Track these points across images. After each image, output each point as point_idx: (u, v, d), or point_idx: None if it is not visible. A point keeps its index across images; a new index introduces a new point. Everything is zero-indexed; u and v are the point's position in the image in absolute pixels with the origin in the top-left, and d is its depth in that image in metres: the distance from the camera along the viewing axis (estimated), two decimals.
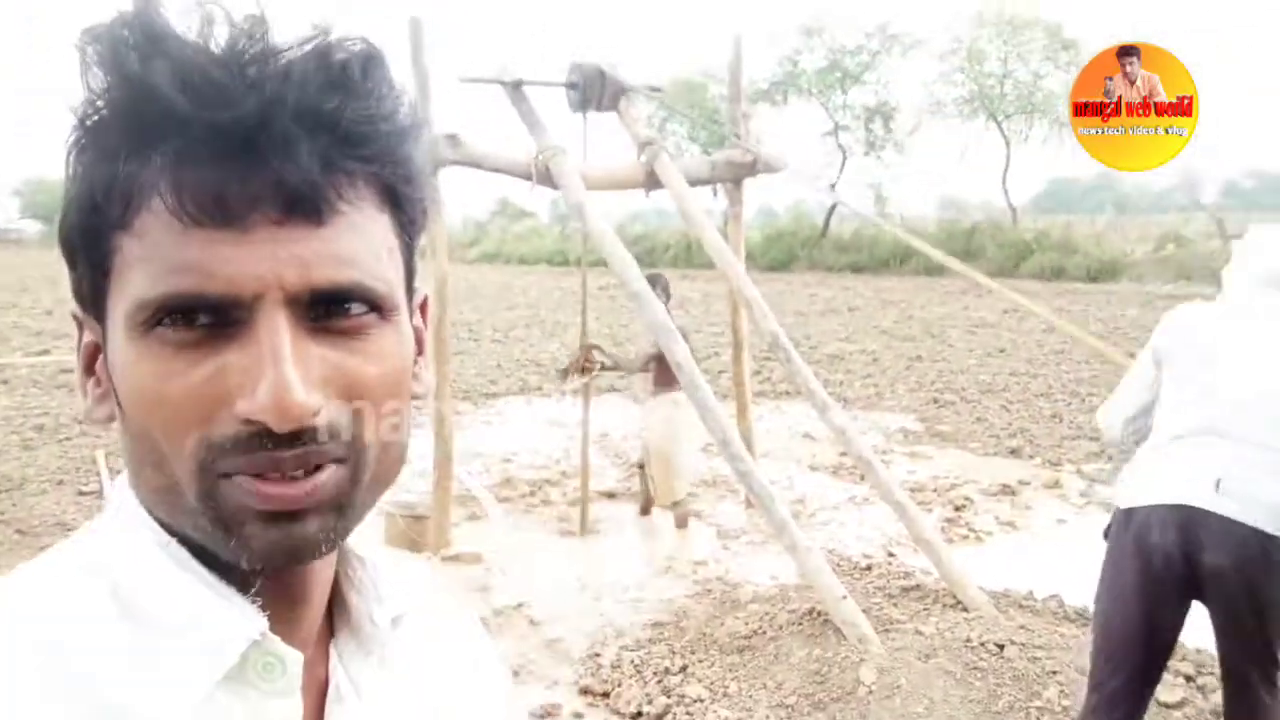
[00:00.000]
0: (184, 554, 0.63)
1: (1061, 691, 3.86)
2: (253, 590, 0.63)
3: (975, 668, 4.02)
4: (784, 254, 29.86)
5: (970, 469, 7.97)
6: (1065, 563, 5.76)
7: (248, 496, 0.59)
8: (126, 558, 0.63)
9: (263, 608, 0.63)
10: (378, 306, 0.62)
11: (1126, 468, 2.96)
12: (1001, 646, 4.16)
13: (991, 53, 29.74)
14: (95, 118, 0.59)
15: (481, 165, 5.99)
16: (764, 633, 4.51)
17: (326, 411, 0.59)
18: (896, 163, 32.44)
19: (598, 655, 4.59)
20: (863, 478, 7.23)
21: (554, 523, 6.76)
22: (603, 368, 6.46)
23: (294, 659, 0.64)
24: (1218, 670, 4.18)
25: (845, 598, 4.37)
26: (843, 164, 31.95)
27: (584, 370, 6.36)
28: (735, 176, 6.81)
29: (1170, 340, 2.90)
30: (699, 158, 7.64)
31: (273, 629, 0.63)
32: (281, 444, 0.58)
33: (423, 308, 0.74)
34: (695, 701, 4.02)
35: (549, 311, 19.64)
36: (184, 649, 0.61)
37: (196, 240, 0.57)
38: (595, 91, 6.26)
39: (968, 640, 4.20)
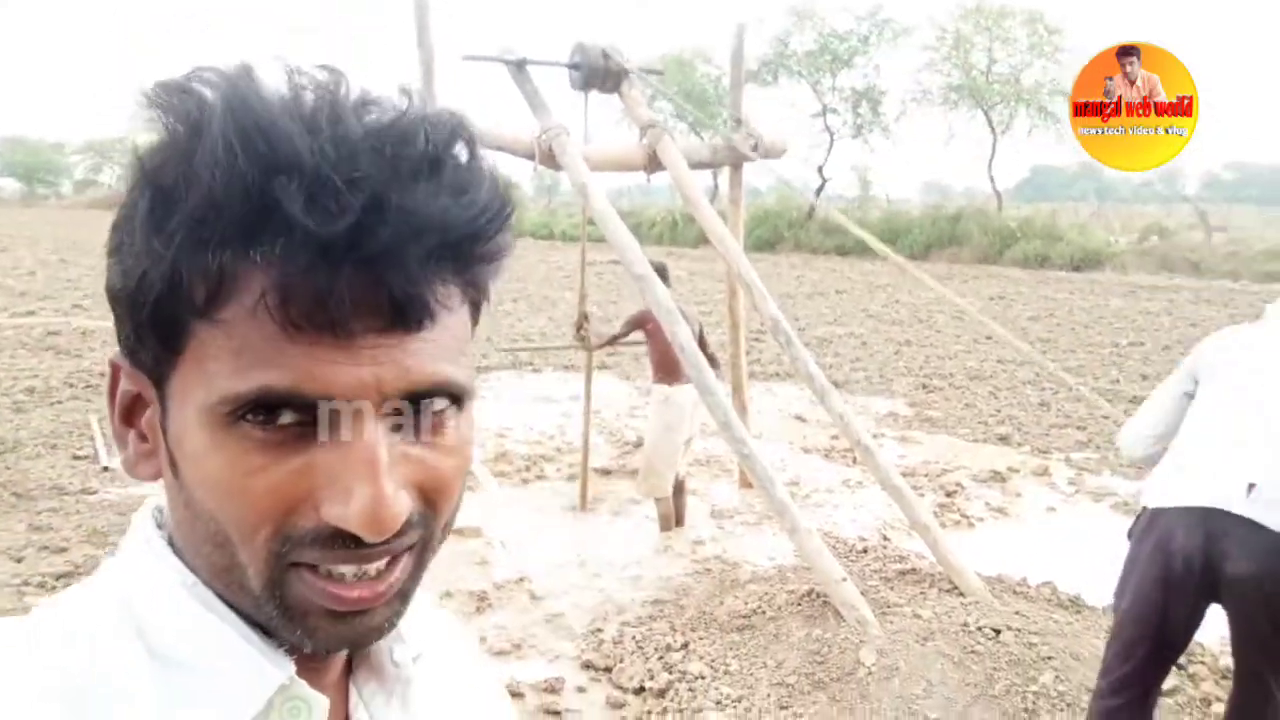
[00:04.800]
0: (210, 595, 0.62)
1: (1057, 676, 3.94)
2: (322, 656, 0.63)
3: (972, 651, 4.09)
4: (770, 234, 29.92)
5: (960, 455, 8.06)
6: (1056, 550, 5.88)
7: (319, 595, 0.59)
8: (152, 598, 0.62)
9: (288, 651, 0.63)
10: (459, 399, 0.62)
11: (1155, 468, 2.96)
12: (998, 631, 4.23)
13: (979, 42, 29.81)
14: (181, 186, 0.55)
15: (483, 144, 5.86)
16: (763, 612, 4.57)
17: (411, 511, 0.59)
18: (883, 147, 32.60)
19: (599, 631, 4.65)
20: (856, 461, 7.32)
21: (551, 498, 6.81)
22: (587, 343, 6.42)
23: (321, 705, 0.64)
24: (1208, 659, 4.31)
25: (844, 580, 4.43)
26: (830, 146, 32.03)
27: (580, 337, 6.38)
28: (736, 161, 6.85)
29: (1215, 356, 2.89)
30: (701, 142, 7.65)
31: (298, 673, 0.63)
32: (364, 545, 0.57)
33: None
34: (697, 678, 4.09)
35: (536, 286, 19.62)
36: (211, 693, 0.60)
37: (296, 341, 0.55)
38: (598, 73, 6.27)
39: (965, 624, 4.28)
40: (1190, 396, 2.95)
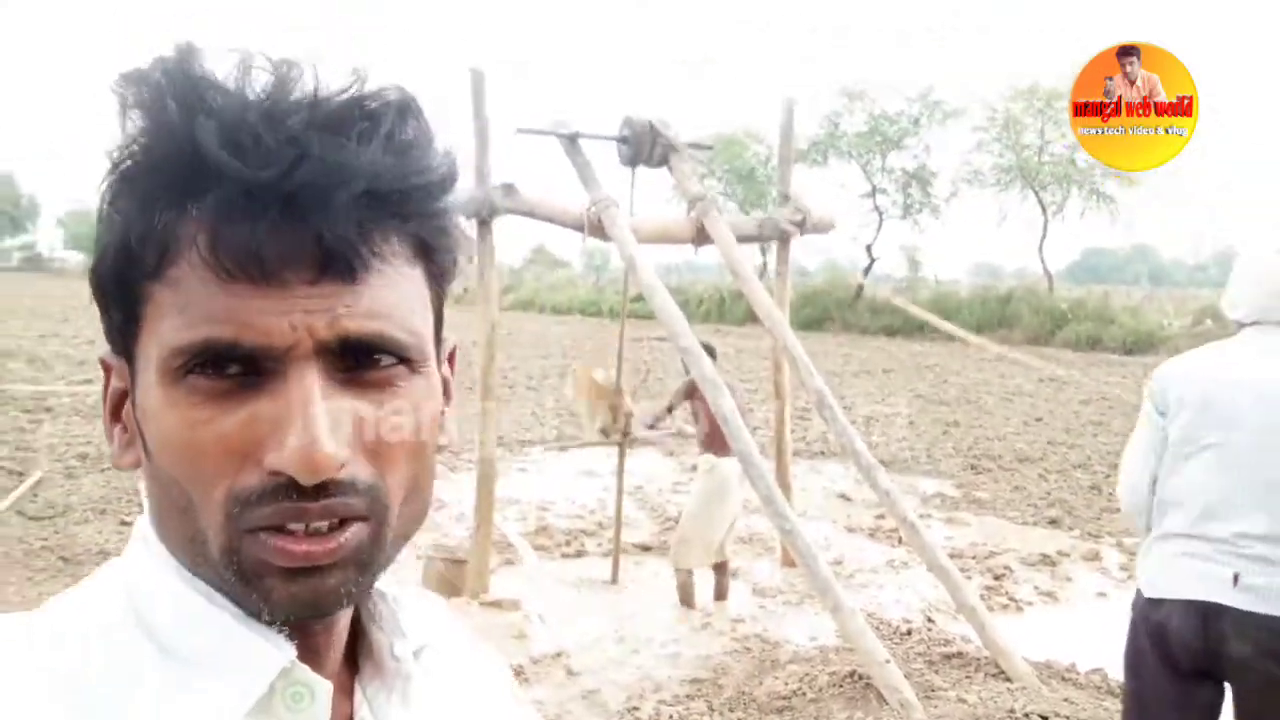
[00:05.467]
0: (205, 586, 0.63)
1: None
2: (278, 623, 0.63)
3: None
4: (818, 313, 29.88)
5: (1009, 537, 7.89)
6: (1107, 637, 5.66)
7: (270, 553, 0.59)
8: (153, 588, 0.64)
9: (286, 628, 0.63)
10: (407, 359, 0.62)
11: (1144, 550, 2.91)
12: (1045, 718, 4.11)
13: (1030, 123, 29.84)
14: (130, 163, 0.59)
15: (534, 215, 6.08)
16: (804, 694, 4.47)
17: (353, 465, 0.59)
18: (933, 227, 32.57)
19: (635, 709, 4.56)
20: (901, 541, 7.19)
21: (590, 573, 6.75)
22: (628, 433, 6.42)
23: (323, 688, 0.64)
24: None
25: (888, 662, 4.33)
26: (879, 226, 32.07)
27: (624, 434, 6.38)
28: (783, 235, 6.88)
29: (1172, 394, 2.79)
30: (748, 216, 7.71)
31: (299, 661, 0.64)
32: (306, 496, 0.58)
33: (450, 358, 0.74)
34: None
35: (583, 362, 19.69)
36: (213, 678, 0.61)
37: (232, 293, 0.57)
38: (646, 147, 6.36)
39: (1011, 711, 4.16)
40: (1161, 430, 2.83)
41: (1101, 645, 5.34)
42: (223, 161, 0.56)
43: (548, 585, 6.36)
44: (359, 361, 0.61)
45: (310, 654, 0.65)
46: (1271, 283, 2.69)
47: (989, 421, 13.42)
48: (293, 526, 0.59)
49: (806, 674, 4.65)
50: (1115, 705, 4.38)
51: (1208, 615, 2.67)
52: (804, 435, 11.31)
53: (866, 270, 31.69)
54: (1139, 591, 2.89)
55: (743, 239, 6.70)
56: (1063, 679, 4.76)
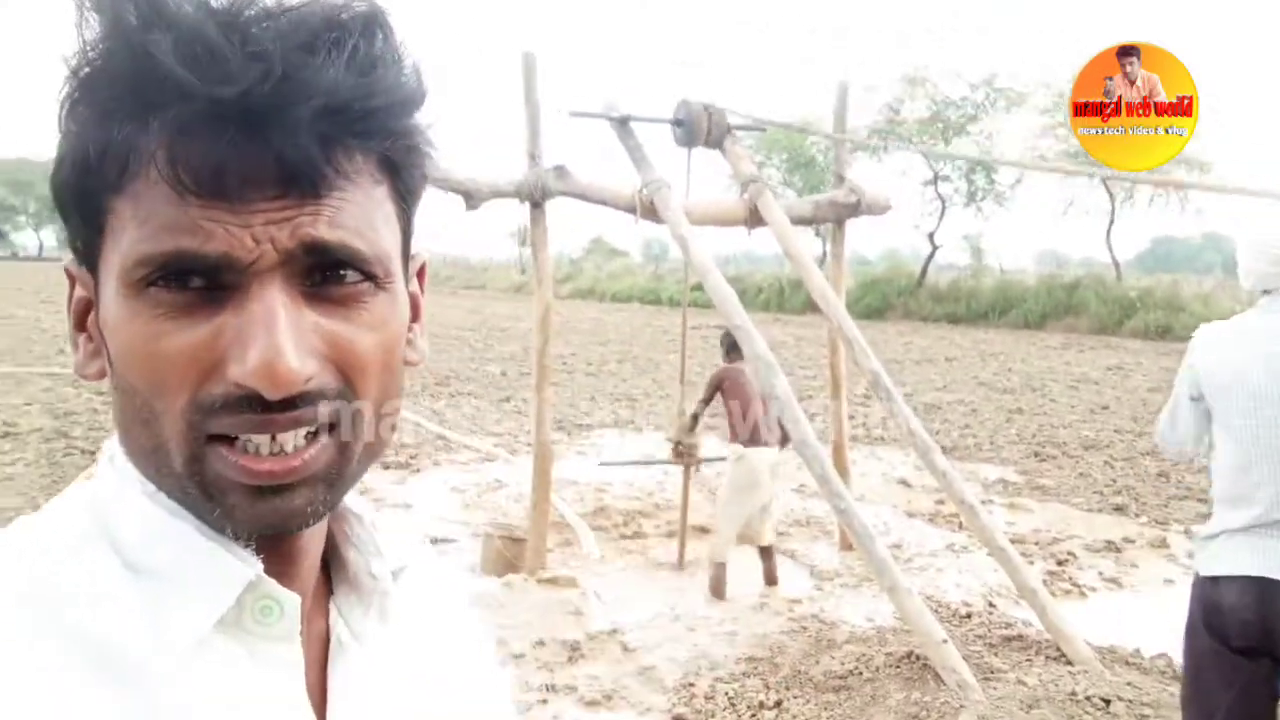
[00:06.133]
0: (171, 502, 0.63)
1: None
2: (245, 539, 0.63)
3: None
4: (879, 301, 29.59)
5: (1073, 524, 7.75)
6: (1173, 623, 5.55)
7: (233, 470, 0.59)
8: (119, 504, 0.63)
9: (252, 545, 0.63)
10: (373, 275, 0.62)
11: (1202, 530, 2.91)
12: (1108, 701, 4.03)
13: None
14: (89, 71, 0.58)
15: (586, 197, 6.09)
16: (860, 673, 4.44)
17: (319, 379, 0.59)
18: (997, 215, 32.03)
19: (691, 685, 4.55)
20: (962, 525, 7.10)
21: (648, 554, 6.76)
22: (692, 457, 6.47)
23: (292, 601, 0.64)
24: None
25: (945, 642, 4.28)
26: (941, 214, 31.61)
27: (679, 452, 6.41)
28: (838, 217, 6.81)
29: (1208, 372, 2.82)
30: (803, 198, 7.65)
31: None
32: (272, 409, 0.57)
33: (420, 273, 0.74)
34: None
35: (642, 349, 19.74)
36: (180, 592, 0.61)
37: (193, 206, 0.56)
38: (701, 128, 6.33)
39: (1072, 693, 4.08)
40: (1198, 400, 2.86)
41: (1167, 631, 5.24)
42: (179, 77, 0.55)
43: (605, 566, 6.38)
44: (325, 277, 0.60)
45: (279, 568, 0.64)
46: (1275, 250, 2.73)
47: (1054, 409, 13.18)
48: (257, 438, 0.58)
49: (863, 654, 4.61)
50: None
51: (1264, 591, 2.66)
52: (863, 422, 11.22)
53: (929, 258, 31.27)
54: (1197, 572, 2.90)
55: (797, 221, 6.64)
56: (1126, 663, 4.67)
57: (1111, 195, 29.72)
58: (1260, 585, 2.66)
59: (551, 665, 4.72)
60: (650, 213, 5.93)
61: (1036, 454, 10.36)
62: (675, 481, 7.59)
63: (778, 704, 4.26)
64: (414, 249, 0.70)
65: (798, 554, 6.80)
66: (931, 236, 31.47)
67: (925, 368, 17.29)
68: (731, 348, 6.06)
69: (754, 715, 4.19)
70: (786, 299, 30.91)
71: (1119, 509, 8.20)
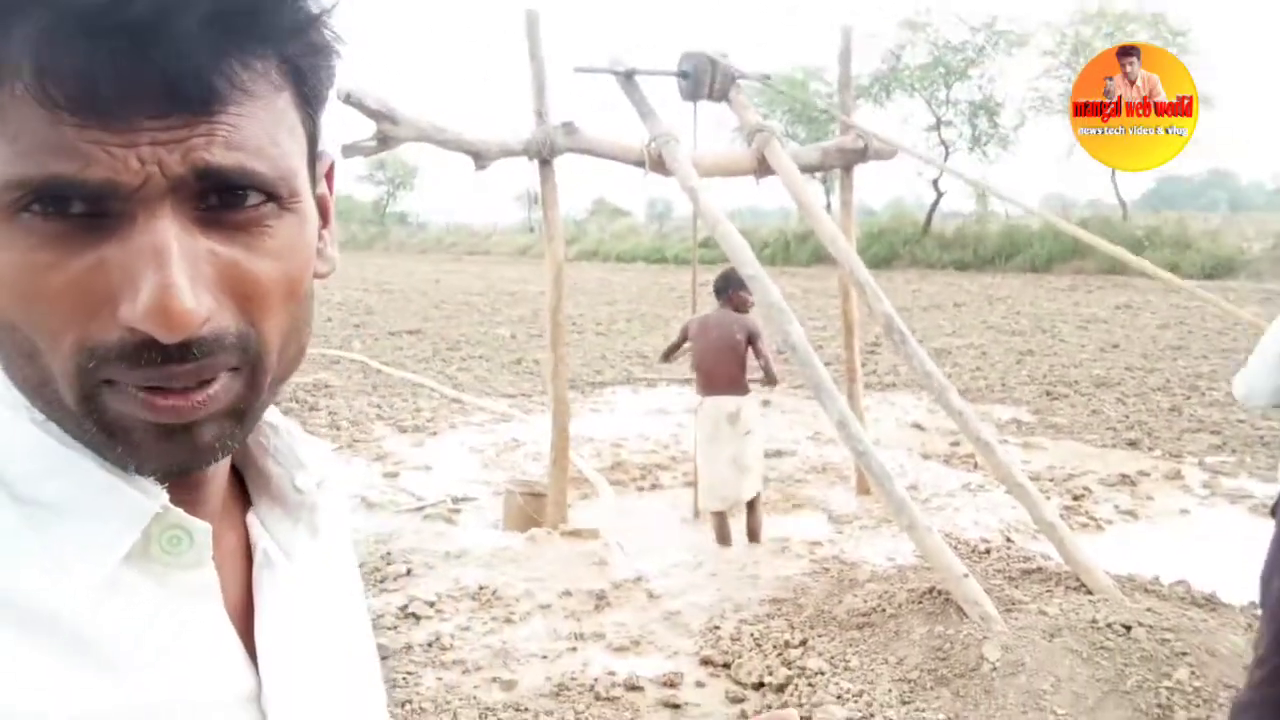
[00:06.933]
0: (65, 435, 0.57)
1: (1193, 673, 3.79)
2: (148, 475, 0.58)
3: (1102, 647, 3.96)
4: (885, 250, 29.48)
5: (1087, 460, 7.81)
6: (1190, 551, 5.66)
7: (135, 406, 0.54)
8: (5, 439, 0.57)
9: (159, 480, 0.58)
10: (275, 194, 0.56)
11: None
12: (1128, 628, 4.09)
13: (1100, 47, 28.90)
14: None
15: (595, 152, 6.11)
16: (883, 610, 4.51)
17: (219, 318, 0.54)
18: (1001, 159, 31.83)
19: (717, 628, 4.64)
20: (977, 465, 7.17)
21: (666, 505, 6.85)
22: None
23: (202, 530, 0.59)
24: None
25: (966, 576, 4.35)
26: (945, 159, 31.41)
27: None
28: (846, 163, 6.82)
29: None
30: (810, 145, 7.63)
31: (173, 503, 0.59)
32: (171, 357, 0.52)
33: (329, 174, 0.68)
34: (816, 674, 4.05)
35: (649, 306, 19.78)
36: (80, 529, 0.56)
37: (68, 125, 0.50)
38: (707, 80, 6.33)
39: (1093, 621, 4.15)
40: None
41: (1185, 560, 5.33)
42: None
43: (625, 518, 6.46)
44: (222, 201, 0.54)
45: (185, 495, 0.60)
46: None
47: (1064, 349, 13.20)
48: (158, 386, 0.54)
49: (885, 591, 4.68)
50: (1200, 615, 4.36)
51: None
52: (874, 368, 11.27)
53: (934, 205, 31.13)
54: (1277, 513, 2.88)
55: (805, 168, 6.65)
56: (1145, 590, 4.74)
57: None
58: None
59: (579, 614, 4.81)
60: (659, 166, 5.95)
61: (1048, 393, 10.40)
62: (691, 435, 7.65)
63: (803, 643, 4.34)
64: (320, 147, 0.64)
65: (816, 500, 6.87)
66: (935, 183, 31.31)
67: (934, 314, 17.30)
68: (719, 291, 6.10)
69: (780, 654, 4.27)
70: (793, 252, 30.82)
71: (1132, 444, 8.26)
